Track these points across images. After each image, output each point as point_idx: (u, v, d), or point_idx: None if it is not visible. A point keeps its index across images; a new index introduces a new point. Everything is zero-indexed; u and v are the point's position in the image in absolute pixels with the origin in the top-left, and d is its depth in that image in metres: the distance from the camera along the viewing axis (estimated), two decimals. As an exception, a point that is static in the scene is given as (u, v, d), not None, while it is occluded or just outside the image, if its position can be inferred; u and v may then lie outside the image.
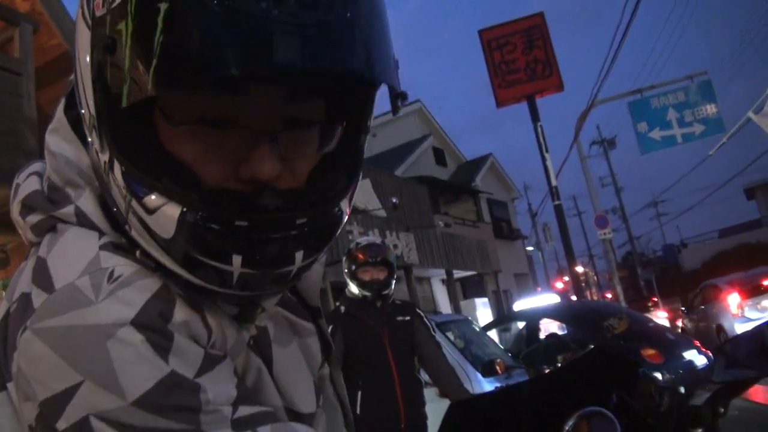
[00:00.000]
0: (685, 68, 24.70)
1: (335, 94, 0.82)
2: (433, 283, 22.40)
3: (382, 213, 17.21)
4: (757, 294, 14.28)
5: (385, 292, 4.18)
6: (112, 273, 0.79)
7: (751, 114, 14.00)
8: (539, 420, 1.35)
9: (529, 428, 1.22)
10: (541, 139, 18.10)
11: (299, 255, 0.80)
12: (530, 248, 41.97)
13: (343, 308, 4.21)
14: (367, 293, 4.13)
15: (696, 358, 8.07)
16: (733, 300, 14.48)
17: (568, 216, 24.72)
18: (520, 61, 19.01)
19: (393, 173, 22.34)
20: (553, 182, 18.17)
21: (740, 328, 12.73)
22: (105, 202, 0.87)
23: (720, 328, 14.94)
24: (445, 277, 21.31)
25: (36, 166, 0.97)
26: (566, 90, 19.38)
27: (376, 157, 26.71)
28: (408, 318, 4.26)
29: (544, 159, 18.09)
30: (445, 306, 20.95)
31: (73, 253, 0.83)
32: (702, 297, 17.35)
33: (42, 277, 0.82)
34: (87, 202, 0.88)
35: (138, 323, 0.75)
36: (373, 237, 4.70)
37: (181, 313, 0.80)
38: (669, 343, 8.36)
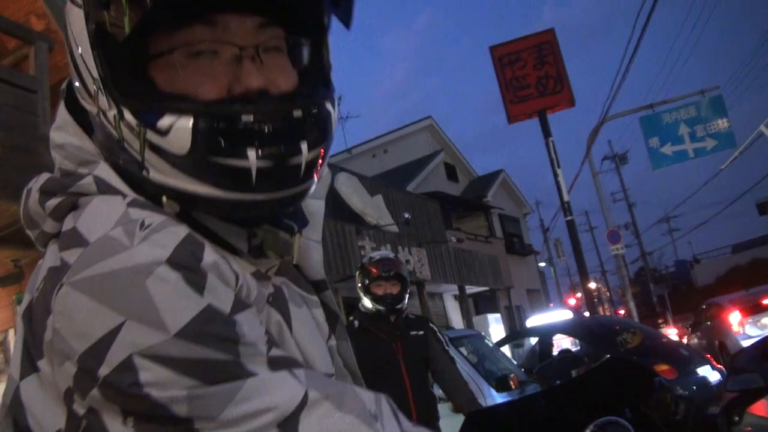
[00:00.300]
0: (696, 83, 24.68)
1: (293, 20, 0.98)
2: (446, 298, 22.35)
3: (395, 228, 17.22)
4: (758, 312, 14.51)
5: (399, 306, 4.19)
6: (143, 222, 0.84)
7: (763, 128, 13.99)
8: (556, 430, 1.37)
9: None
10: (553, 155, 18.05)
11: (304, 146, 0.89)
12: (542, 264, 41.82)
13: (356, 322, 4.22)
14: (381, 307, 4.14)
15: (710, 374, 8.01)
16: (734, 318, 14.72)
17: (580, 231, 24.63)
18: (531, 76, 18.98)
19: (405, 189, 22.35)
20: (565, 197, 18.10)
21: (741, 344, 12.99)
22: (120, 171, 0.94)
23: (723, 345, 15.11)
24: (457, 292, 21.26)
25: (44, 175, 1.00)
26: (578, 105, 19.32)
27: (388, 173, 26.76)
28: (422, 332, 4.27)
29: (555, 174, 18.04)
30: (457, 322, 20.89)
31: (102, 213, 0.87)
32: (706, 314, 17.53)
33: (73, 239, 0.86)
34: (103, 171, 0.94)
35: (173, 262, 0.79)
36: (386, 251, 4.70)
37: (210, 256, 0.84)
38: (682, 359, 8.30)
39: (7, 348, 6.86)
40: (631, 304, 21.90)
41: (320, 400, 0.82)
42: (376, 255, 4.44)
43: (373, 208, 17.32)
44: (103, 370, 0.75)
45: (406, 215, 14.81)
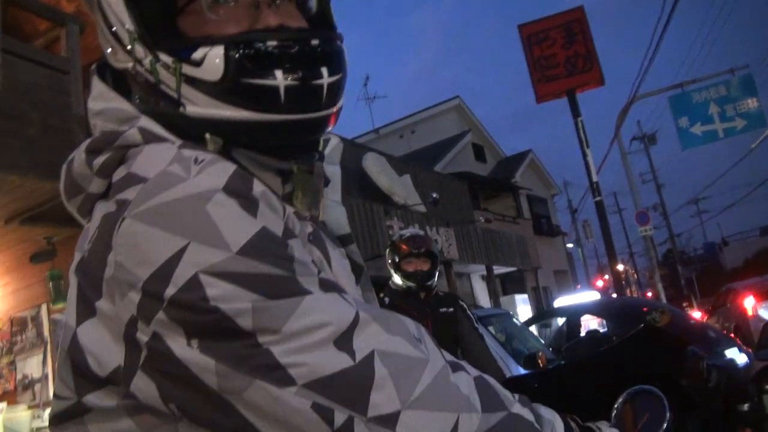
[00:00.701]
0: (726, 62, 24.30)
1: None
2: (473, 278, 22.35)
3: (422, 208, 17.22)
4: None
5: (429, 282, 4.21)
6: (196, 158, 0.90)
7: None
8: (590, 398, 1.39)
9: (580, 406, 1.25)
10: (582, 135, 17.93)
11: (324, 70, 0.99)
12: (570, 245, 41.60)
13: (387, 299, 4.23)
14: (411, 284, 4.16)
15: (737, 356, 7.97)
16: (749, 302, 15.40)
17: (609, 213, 24.44)
18: (559, 55, 18.82)
19: (432, 169, 22.32)
20: (594, 178, 18.00)
21: (755, 326, 13.82)
22: (161, 122, 1.01)
23: (738, 328, 15.73)
24: (485, 273, 21.26)
25: (86, 141, 1.06)
26: (607, 85, 19.14)
27: (416, 154, 26.71)
28: (451, 309, 4.28)
29: (584, 154, 17.92)
30: (484, 302, 20.89)
31: (155, 156, 0.93)
32: (724, 299, 17.97)
33: (130, 180, 0.92)
34: (147, 122, 1.00)
35: (228, 189, 0.86)
36: (416, 229, 4.72)
37: (259, 186, 0.90)
38: (710, 341, 8.25)
39: (40, 323, 6.98)
40: (659, 287, 21.78)
41: (370, 321, 0.88)
42: (407, 232, 4.46)
43: (400, 188, 17.33)
44: (170, 291, 0.80)
45: (434, 195, 14.80)
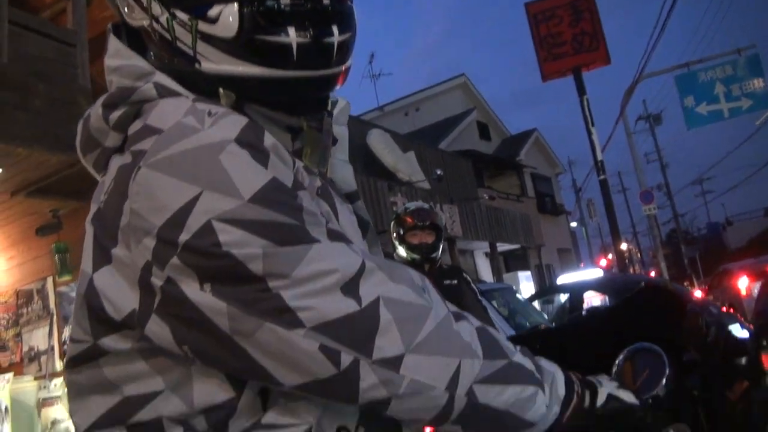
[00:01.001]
0: (733, 42, 24.20)
1: None
2: (477, 255, 22.38)
3: (426, 185, 17.22)
4: (764, 278, 15.47)
5: (434, 255, 4.23)
6: (209, 111, 0.93)
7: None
8: (592, 355, 1.42)
9: (582, 363, 1.28)
10: (587, 113, 17.86)
11: (335, 29, 1.02)
12: (574, 224, 41.57)
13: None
14: (416, 256, 4.17)
15: (739, 332, 7.98)
16: (742, 283, 15.76)
17: (613, 193, 24.43)
18: (566, 34, 18.70)
19: (437, 147, 22.29)
20: (599, 156, 17.94)
21: (748, 306, 14.28)
22: (176, 78, 1.04)
23: (732, 307, 15.99)
24: (488, 250, 21.28)
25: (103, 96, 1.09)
26: (613, 65, 19.02)
27: (420, 131, 26.64)
28: (455, 282, 4.30)
29: (589, 133, 17.85)
30: (488, 278, 20.91)
31: (171, 109, 0.97)
32: (720, 279, 18.23)
33: (146, 132, 0.95)
34: (161, 78, 1.03)
35: (240, 140, 0.89)
36: (421, 202, 4.73)
37: (270, 139, 0.93)
38: (713, 317, 8.28)
39: (45, 295, 7.01)
40: (663, 266, 21.79)
41: (375, 270, 0.92)
42: (411, 205, 4.48)
43: (405, 165, 17.33)
44: (184, 236, 0.84)
45: (438, 171, 14.80)
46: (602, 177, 17.99)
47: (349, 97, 1.24)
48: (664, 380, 1.32)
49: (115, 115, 1.01)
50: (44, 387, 6.36)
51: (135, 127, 0.99)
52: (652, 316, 1.48)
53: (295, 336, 0.86)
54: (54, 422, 6.18)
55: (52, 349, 6.77)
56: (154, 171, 0.88)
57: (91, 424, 0.98)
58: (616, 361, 1.41)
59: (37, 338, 6.98)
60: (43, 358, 6.81)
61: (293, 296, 0.86)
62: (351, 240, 0.97)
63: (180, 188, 0.85)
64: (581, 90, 18.10)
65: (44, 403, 6.24)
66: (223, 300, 0.85)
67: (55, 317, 6.85)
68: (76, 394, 1.02)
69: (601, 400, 1.18)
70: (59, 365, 6.70)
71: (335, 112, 1.18)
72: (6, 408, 6.03)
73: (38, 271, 7.09)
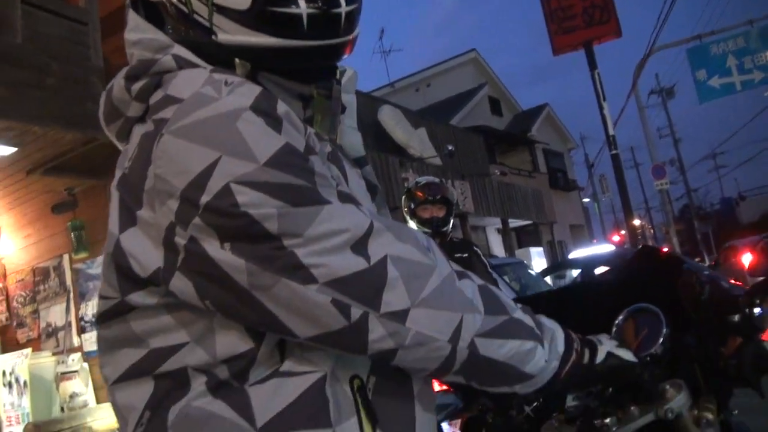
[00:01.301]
0: (745, 14, 23.93)
1: None
2: (489, 231, 22.40)
3: (438, 161, 17.21)
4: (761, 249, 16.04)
5: (444, 228, 4.26)
6: (226, 81, 0.99)
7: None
8: (594, 317, 1.47)
9: (585, 325, 1.33)
10: (599, 87, 17.75)
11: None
12: (586, 200, 41.45)
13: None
14: (427, 230, 4.19)
15: (732, 290, 7.98)
16: (746, 258, 15.94)
17: (626, 168, 24.35)
18: (577, 6, 18.53)
19: (448, 123, 22.25)
20: (611, 131, 17.84)
21: (752, 281, 14.39)
22: (193, 50, 1.10)
23: (736, 281, 16.37)
24: (500, 226, 21.30)
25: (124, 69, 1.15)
26: (624, 39, 18.87)
27: (432, 107, 26.57)
28: (466, 255, 4.35)
29: (601, 107, 17.74)
30: (500, 254, 20.95)
31: (189, 79, 1.03)
32: (725, 255, 18.30)
33: (167, 101, 1.01)
34: (180, 50, 1.09)
35: (255, 108, 0.95)
36: (432, 177, 4.77)
37: (282, 107, 0.99)
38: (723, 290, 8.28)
39: (62, 272, 7.09)
40: (675, 241, 21.75)
41: (383, 230, 0.99)
42: (422, 180, 4.52)
43: (416, 141, 17.31)
44: (204, 198, 0.91)
45: (450, 147, 14.80)
46: (614, 152, 17.92)
47: (360, 73, 1.29)
48: (661, 339, 1.37)
49: (137, 86, 1.06)
50: (62, 362, 6.47)
51: (156, 97, 1.04)
52: (650, 278, 1.53)
53: (309, 291, 0.92)
54: (72, 395, 6.30)
55: (69, 325, 6.86)
56: (176, 138, 0.94)
57: (120, 375, 1.05)
58: (616, 321, 1.46)
59: (55, 315, 7.08)
60: (61, 334, 6.91)
61: (306, 254, 0.92)
62: (360, 202, 1.03)
63: (200, 153, 0.91)
64: (592, 64, 17.98)
65: (62, 377, 6.36)
66: (242, 257, 0.91)
67: (71, 294, 6.93)
68: (106, 349, 1.08)
69: (600, 357, 1.25)
70: (76, 341, 6.80)
71: (343, 80, 1.22)
72: (25, 382, 6.15)
73: (54, 249, 7.17)
